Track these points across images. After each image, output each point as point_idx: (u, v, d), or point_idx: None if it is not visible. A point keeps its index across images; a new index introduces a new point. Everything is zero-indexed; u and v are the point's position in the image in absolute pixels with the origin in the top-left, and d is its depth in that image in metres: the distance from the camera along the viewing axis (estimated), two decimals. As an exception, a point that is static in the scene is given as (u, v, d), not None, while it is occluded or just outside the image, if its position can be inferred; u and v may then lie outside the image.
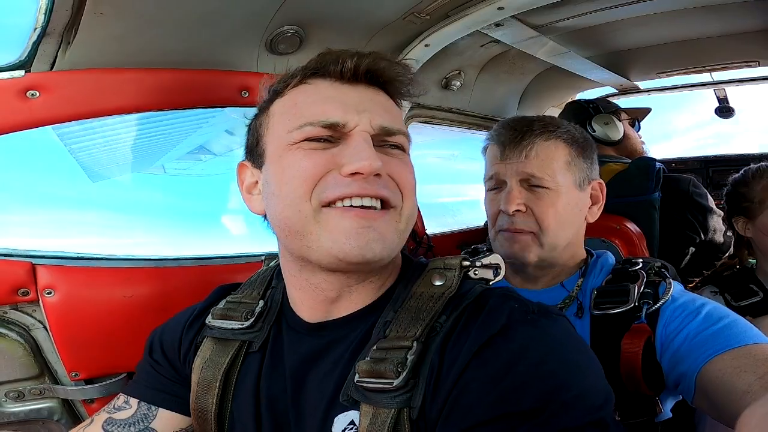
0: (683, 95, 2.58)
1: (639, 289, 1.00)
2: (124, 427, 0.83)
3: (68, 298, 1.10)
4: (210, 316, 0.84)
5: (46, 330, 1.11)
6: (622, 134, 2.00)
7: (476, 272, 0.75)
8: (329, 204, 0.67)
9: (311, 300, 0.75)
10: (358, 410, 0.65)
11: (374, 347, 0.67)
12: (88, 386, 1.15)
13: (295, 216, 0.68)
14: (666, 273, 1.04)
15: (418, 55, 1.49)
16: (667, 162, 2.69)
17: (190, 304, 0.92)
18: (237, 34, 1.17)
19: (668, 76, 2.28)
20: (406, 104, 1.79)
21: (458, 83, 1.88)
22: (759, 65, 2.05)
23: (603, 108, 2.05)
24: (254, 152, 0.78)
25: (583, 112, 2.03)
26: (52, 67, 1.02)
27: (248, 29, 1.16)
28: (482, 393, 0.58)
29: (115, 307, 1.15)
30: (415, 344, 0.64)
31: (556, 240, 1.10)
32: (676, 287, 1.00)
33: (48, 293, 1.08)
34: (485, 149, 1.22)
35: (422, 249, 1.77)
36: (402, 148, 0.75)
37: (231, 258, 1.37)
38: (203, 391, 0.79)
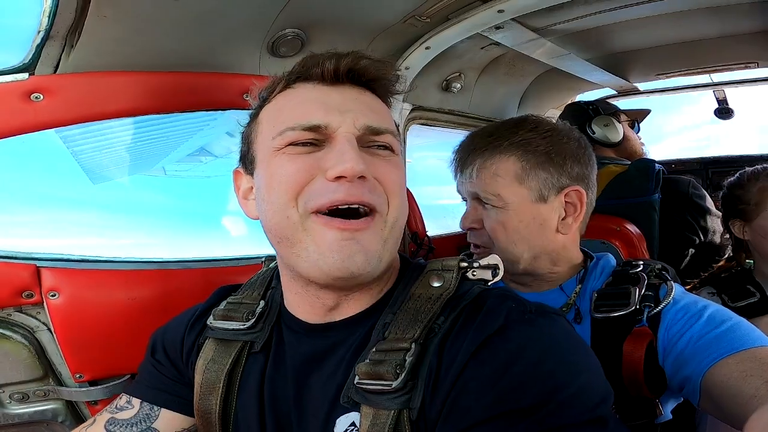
0: (674, 97, 2.59)
1: (640, 291, 0.98)
2: (126, 427, 0.83)
3: (72, 300, 1.11)
4: (211, 317, 0.84)
5: (51, 332, 1.11)
6: (621, 136, 2.01)
7: (474, 273, 0.75)
8: (317, 212, 0.67)
9: (309, 305, 0.76)
10: (359, 412, 0.65)
11: (373, 349, 0.67)
12: (92, 388, 1.15)
13: (284, 222, 0.68)
14: (667, 275, 1.02)
15: (418, 57, 1.50)
16: (666, 163, 2.70)
17: (192, 306, 0.92)
18: (239, 37, 1.17)
19: (668, 77, 2.28)
20: (407, 106, 1.79)
21: (458, 85, 1.88)
22: (758, 66, 2.05)
23: (603, 110, 2.05)
24: (246, 159, 0.79)
25: (582, 114, 2.04)
26: (55, 70, 1.03)
27: (250, 32, 1.17)
28: (480, 393, 0.58)
29: (118, 309, 1.16)
30: (413, 346, 0.64)
31: (514, 256, 1.08)
32: (677, 289, 0.98)
33: (52, 295, 1.09)
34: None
35: (423, 251, 1.77)
36: (390, 149, 0.73)
37: (232, 260, 1.38)
38: (206, 392, 0.79)
